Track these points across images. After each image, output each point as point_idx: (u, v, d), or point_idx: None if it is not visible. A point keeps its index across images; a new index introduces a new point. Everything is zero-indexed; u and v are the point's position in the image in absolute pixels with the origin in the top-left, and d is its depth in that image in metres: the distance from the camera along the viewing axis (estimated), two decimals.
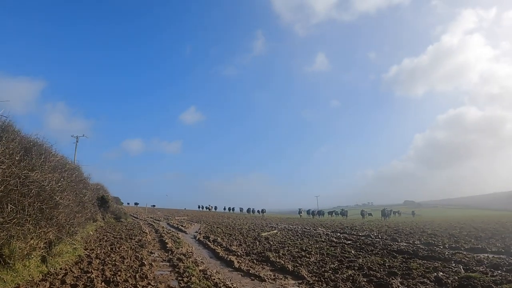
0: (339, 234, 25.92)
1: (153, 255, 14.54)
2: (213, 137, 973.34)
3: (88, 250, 14.55)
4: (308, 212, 76.91)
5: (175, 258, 13.23)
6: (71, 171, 21.19)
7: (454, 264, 12.43)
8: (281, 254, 14.73)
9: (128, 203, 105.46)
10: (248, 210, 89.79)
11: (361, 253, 15.33)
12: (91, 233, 21.21)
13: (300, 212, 74.37)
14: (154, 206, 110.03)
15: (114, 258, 12.85)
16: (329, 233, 26.84)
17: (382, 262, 12.97)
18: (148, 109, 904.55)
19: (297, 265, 12.35)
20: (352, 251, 15.84)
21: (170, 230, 27.25)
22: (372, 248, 17.12)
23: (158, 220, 42.22)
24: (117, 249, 15.36)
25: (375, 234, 25.03)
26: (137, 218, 46.16)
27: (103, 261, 12.25)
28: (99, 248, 15.48)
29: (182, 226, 32.09)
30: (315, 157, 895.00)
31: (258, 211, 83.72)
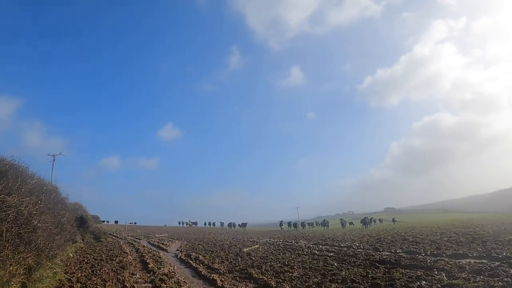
0: (321, 246, 25.97)
1: (135, 276, 14.38)
2: (191, 153, 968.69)
3: (68, 274, 14.28)
4: (289, 224, 76.71)
5: (157, 279, 13.13)
6: (49, 192, 20.90)
7: (436, 272, 12.62)
8: (263, 270, 14.75)
9: (107, 221, 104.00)
10: (229, 225, 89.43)
11: (344, 265, 15.46)
12: (71, 255, 20.83)
13: (281, 224, 74.22)
14: (135, 223, 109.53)
15: (95, 281, 12.66)
16: (311, 245, 26.88)
17: (365, 273, 13.10)
18: (125, 126, 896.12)
19: (280, 280, 12.39)
20: (335, 264, 15.94)
21: (151, 249, 26.95)
22: (355, 259, 17.26)
23: (139, 239, 41.67)
24: (98, 271, 15.12)
25: (357, 244, 25.16)
26: (117, 237, 45.37)
27: (84, 285, 12.08)
28: (79, 271, 15.20)
29: (163, 244, 31.74)
30: (294, 169, 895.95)
31: (239, 225, 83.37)
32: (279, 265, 16.25)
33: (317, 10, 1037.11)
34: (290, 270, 14.47)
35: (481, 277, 11.23)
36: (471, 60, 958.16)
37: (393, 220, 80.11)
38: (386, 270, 13.74)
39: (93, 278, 13.33)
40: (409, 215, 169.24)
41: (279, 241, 33.59)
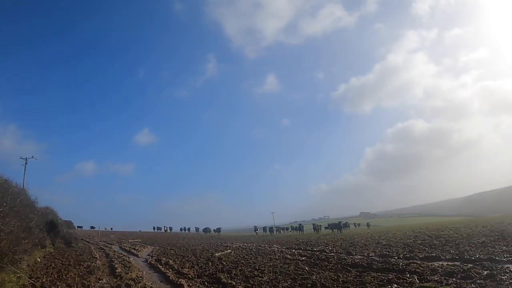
0: (294, 250, 25.87)
1: (101, 281, 14.01)
2: (166, 159, 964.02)
3: (33, 279, 13.87)
4: (264, 229, 76.57)
5: (124, 284, 12.84)
6: (16, 195, 20.34)
7: (408, 275, 12.59)
8: (233, 275, 14.52)
9: (81, 227, 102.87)
10: (205, 230, 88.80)
11: (315, 269, 15.34)
12: (39, 260, 20.28)
13: (256, 229, 74.07)
14: (111, 229, 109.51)
15: (60, 286, 12.33)
16: (284, 249, 26.76)
17: (336, 277, 12.98)
18: (101, 132, 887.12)
19: (249, 285, 12.22)
20: (306, 268, 15.81)
21: (121, 254, 26.45)
22: (326, 263, 17.17)
23: (111, 244, 40.94)
24: (64, 276, 14.73)
25: (330, 248, 25.09)
26: (89, 242, 44.53)
27: None
28: (45, 276, 14.79)
29: (134, 249, 31.23)
30: (269, 174, 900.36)
31: (214, 230, 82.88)
32: (250, 269, 16.01)
33: (292, 20, 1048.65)
34: (260, 275, 14.26)
35: (454, 279, 11.23)
36: (442, 69, 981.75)
37: (367, 225, 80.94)
38: (358, 273, 13.66)
39: (58, 283, 13.00)
40: (384, 219, 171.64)
41: (252, 245, 33.49)
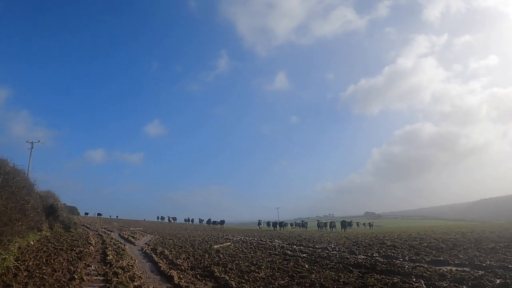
0: (295, 246, 25.02)
1: (89, 268, 13.42)
2: (175, 150, 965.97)
3: (19, 261, 13.25)
4: (268, 223, 75.90)
5: (111, 272, 12.04)
6: (9, 174, 19.66)
7: (414, 279, 11.66)
8: (228, 269, 13.71)
9: (87, 213, 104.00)
10: (208, 222, 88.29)
11: (315, 268, 14.46)
12: (32, 243, 19.69)
13: (259, 223, 73.35)
14: (117, 216, 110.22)
15: (44, 271, 11.64)
16: (285, 245, 25.94)
17: (336, 277, 12.11)
18: (111, 121, 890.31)
19: (243, 281, 11.40)
20: (306, 265, 14.93)
21: (118, 241, 25.82)
22: (328, 261, 16.28)
23: (111, 231, 40.55)
24: (52, 261, 14.08)
25: (333, 246, 24.30)
26: (89, 228, 44.16)
27: (30, 274, 11.08)
28: (33, 259, 14.17)
29: (132, 237, 30.62)
30: (275, 170, 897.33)
31: (217, 223, 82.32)
32: (247, 264, 15.22)
33: (304, 21, 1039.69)
34: (257, 270, 13.45)
35: (464, 286, 10.34)
36: (452, 75, 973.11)
37: (369, 225, 79.89)
38: (360, 275, 12.79)
39: (44, 267, 12.32)
40: (388, 220, 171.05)
41: (254, 239, 32.67)
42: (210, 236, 36.38)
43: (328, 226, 63.09)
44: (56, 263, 13.45)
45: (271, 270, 13.64)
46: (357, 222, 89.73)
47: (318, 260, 16.84)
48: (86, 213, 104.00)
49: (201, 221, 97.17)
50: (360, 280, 11.66)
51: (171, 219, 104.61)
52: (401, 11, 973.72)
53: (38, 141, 58.90)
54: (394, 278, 11.95)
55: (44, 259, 14.28)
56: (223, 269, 13.59)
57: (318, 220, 71.59)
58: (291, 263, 15.71)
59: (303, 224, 70.87)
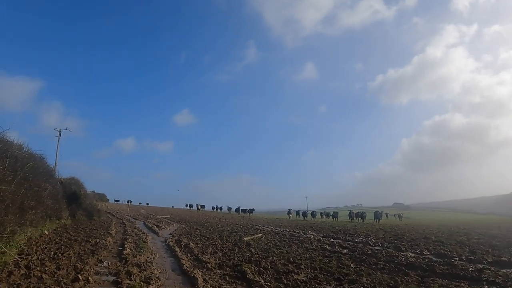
0: (332, 239, 22.78)
1: (100, 264, 11.67)
2: (205, 139, 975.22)
3: (23, 255, 11.62)
4: (297, 213, 73.90)
5: (124, 271, 10.15)
6: (21, 159, 18.12)
7: (487, 286, 9.55)
8: (262, 268, 11.56)
9: (118, 200, 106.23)
10: (237, 210, 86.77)
11: (363, 268, 12.32)
12: (46, 232, 18.17)
13: (289, 212, 71.25)
14: (147, 204, 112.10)
15: (46, 268, 9.95)
16: (321, 238, 23.76)
17: (393, 282, 9.91)
18: (141, 110, 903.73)
19: (281, 286, 9.33)
20: (351, 265, 12.78)
21: (141, 231, 24.16)
22: (375, 260, 14.11)
23: (136, 219, 39.32)
24: (60, 255, 12.38)
25: (373, 240, 22.03)
26: (114, 216, 43.03)
27: (29, 272, 9.36)
28: (39, 253, 12.52)
29: (157, 226, 28.97)
30: (304, 159, 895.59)
31: (246, 211, 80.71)
32: (283, 261, 13.12)
33: (331, 11, 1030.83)
34: (296, 270, 11.36)
35: None
36: (482, 65, 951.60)
37: (399, 216, 77.10)
38: (419, 278, 10.60)
39: (47, 264, 10.58)
40: (417, 212, 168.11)
41: (286, 230, 30.69)
42: (240, 226, 34.47)
43: (360, 216, 60.58)
44: (64, 258, 11.74)
45: (312, 271, 11.55)
46: (386, 213, 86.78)
47: (364, 258, 14.64)
48: (117, 200, 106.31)
49: (229, 209, 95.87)
50: (422, 286, 9.55)
51: (199, 206, 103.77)
52: (429, 1, 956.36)
53: (66, 128, 58.16)
54: (462, 284, 9.80)
55: (52, 253, 12.65)
56: (256, 268, 11.46)
57: (350, 210, 69.13)
58: (333, 261, 13.58)
59: (334, 214, 68.44)
